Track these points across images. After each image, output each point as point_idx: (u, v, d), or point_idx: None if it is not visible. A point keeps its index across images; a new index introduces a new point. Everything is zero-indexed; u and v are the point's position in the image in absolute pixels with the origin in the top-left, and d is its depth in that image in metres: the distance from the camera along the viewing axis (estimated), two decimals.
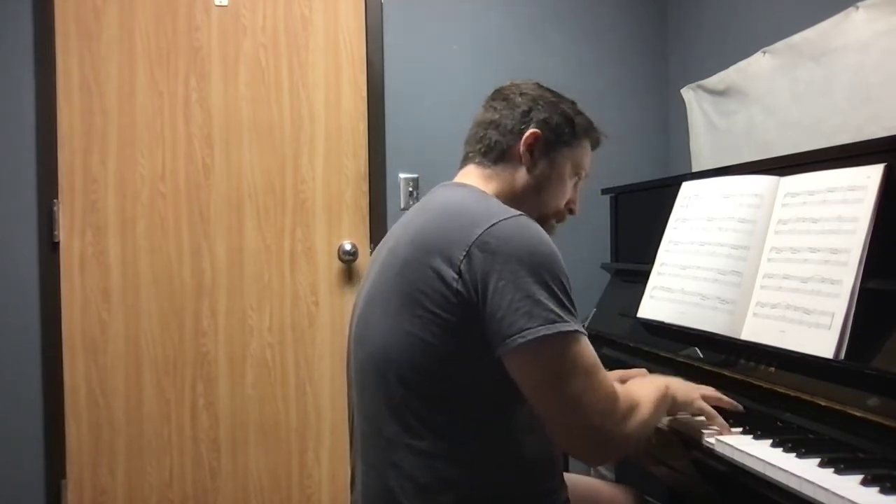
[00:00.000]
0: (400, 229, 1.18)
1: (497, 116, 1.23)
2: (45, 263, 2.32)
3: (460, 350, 1.03)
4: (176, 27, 2.41)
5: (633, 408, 1.05)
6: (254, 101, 2.46)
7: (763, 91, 2.18)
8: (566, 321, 1.00)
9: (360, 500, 1.15)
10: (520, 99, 1.23)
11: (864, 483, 0.93)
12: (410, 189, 2.56)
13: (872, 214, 1.20)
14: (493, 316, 1.00)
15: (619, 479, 2.05)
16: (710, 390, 1.27)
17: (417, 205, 1.23)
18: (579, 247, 2.46)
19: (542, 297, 0.99)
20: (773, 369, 1.31)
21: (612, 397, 1.02)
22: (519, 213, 1.07)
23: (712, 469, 1.18)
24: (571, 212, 1.30)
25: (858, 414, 1.09)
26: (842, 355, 1.16)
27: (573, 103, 1.28)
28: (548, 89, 1.28)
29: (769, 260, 1.40)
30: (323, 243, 2.51)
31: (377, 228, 2.50)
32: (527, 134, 1.20)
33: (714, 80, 2.44)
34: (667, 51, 2.82)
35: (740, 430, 1.20)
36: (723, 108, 2.40)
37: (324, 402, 2.50)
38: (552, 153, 1.23)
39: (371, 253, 2.23)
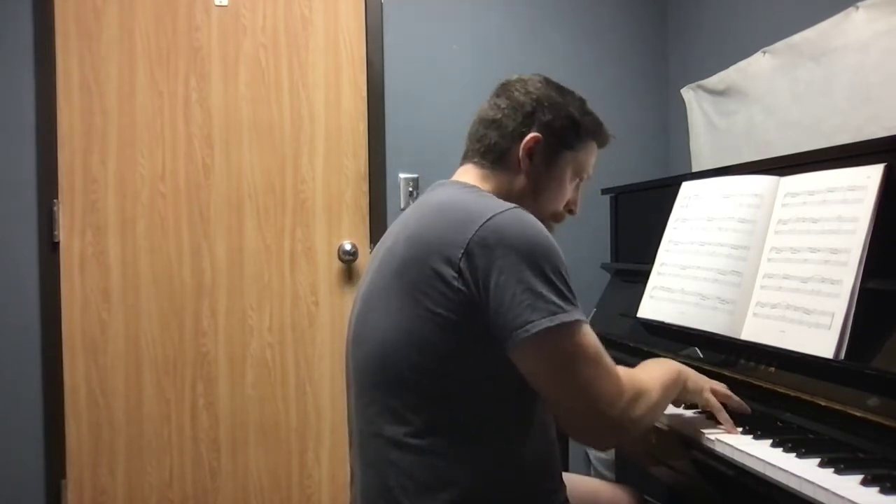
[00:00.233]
0: (398, 228, 1.18)
1: (499, 116, 1.21)
2: (45, 263, 2.32)
3: (461, 348, 1.03)
4: (176, 27, 2.41)
5: (640, 392, 1.06)
6: (254, 101, 2.46)
7: (763, 91, 2.18)
8: (567, 311, 1.00)
9: (359, 499, 1.14)
10: (524, 98, 1.21)
11: (864, 483, 0.93)
12: (410, 189, 2.56)
13: (872, 214, 1.20)
14: (496, 311, 1.00)
15: (619, 479, 2.05)
16: (720, 386, 1.27)
17: (415, 203, 1.23)
18: (579, 247, 2.46)
19: (543, 289, 0.99)
20: (773, 369, 1.31)
21: (619, 382, 1.03)
22: (513, 205, 1.07)
23: (712, 469, 1.18)
24: (571, 212, 1.29)
25: (858, 414, 1.09)
26: (842, 355, 1.16)
27: (581, 101, 1.25)
28: (555, 86, 1.24)
29: (769, 260, 1.40)
30: (323, 243, 2.51)
31: (377, 228, 2.50)
32: (527, 138, 1.18)
33: (714, 80, 2.44)
34: (667, 51, 2.82)
35: (740, 429, 1.20)
36: (723, 108, 2.40)
37: (324, 402, 2.51)
38: (553, 157, 1.21)
39: (370, 253, 2.23)
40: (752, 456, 1.08)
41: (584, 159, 1.25)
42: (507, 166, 1.21)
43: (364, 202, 2.54)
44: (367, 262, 1.45)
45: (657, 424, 1.30)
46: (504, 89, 1.24)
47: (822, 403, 1.16)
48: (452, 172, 1.26)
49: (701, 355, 1.52)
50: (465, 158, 1.25)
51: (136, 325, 2.38)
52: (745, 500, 1.14)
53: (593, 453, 2.59)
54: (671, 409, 1.31)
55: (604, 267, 2.24)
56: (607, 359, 1.04)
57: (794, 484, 0.98)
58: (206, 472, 2.43)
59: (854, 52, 1.81)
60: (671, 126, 2.79)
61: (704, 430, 1.21)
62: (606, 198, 2.29)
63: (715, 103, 2.44)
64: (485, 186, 1.20)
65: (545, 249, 1.03)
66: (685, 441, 1.25)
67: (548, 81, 1.25)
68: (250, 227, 2.46)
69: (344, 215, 2.52)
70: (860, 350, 1.15)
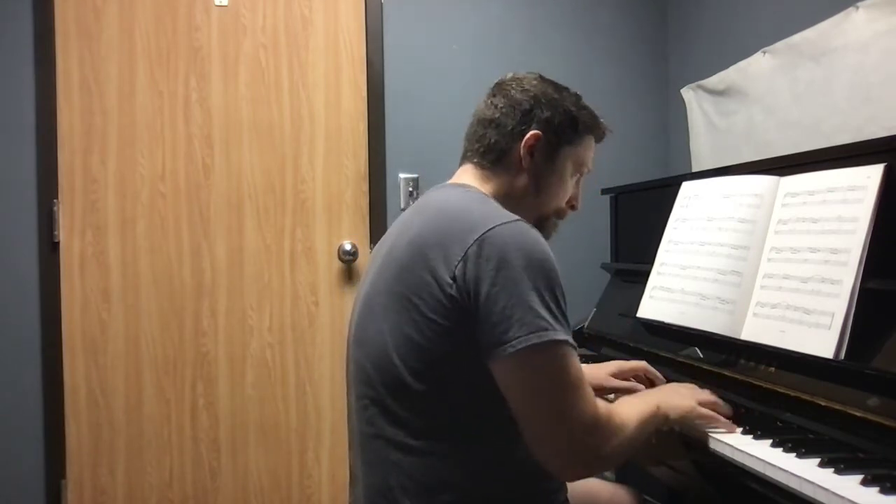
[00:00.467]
0: (397, 231, 1.18)
1: (497, 115, 1.21)
2: (45, 263, 2.31)
3: (456, 352, 1.03)
4: (176, 27, 2.41)
5: (617, 426, 1.04)
6: (254, 101, 2.46)
7: (763, 91, 2.18)
8: (556, 330, 0.99)
9: (361, 499, 1.14)
10: (521, 96, 1.21)
11: (864, 483, 0.93)
12: (410, 189, 2.56)
13: (872, 214, 1.20)
14: (485, 322, 0.99)
15: (619, 479, 2.05)
16: (705, 394, 1.26)
17: (416, 205, 1.22)
18: (579, 247, 2.47)
19: (535, 304, 0.98)
20: (773, 369, 1.31)
21: (597, 412, 1.01)
22: (516, 217, 1.06)
23: (712, 469, 1.18)
24: (573, 208, 1.29)
25: (858, 414, 1.09)
26: (842, 355, 1.16)
27: (577, 97, 1.25)
28: (550, 83, 1.24)
29: (769, 260, 1.40)
30: (323, 243, 2.51)
31: (377, 228, 2.50)
32: (527, 136, 1.19)
33: (714, 80, 2.44)
34: (667, 51, 2.82)
35: (740, 429, 1.20)
36: (723, 108, 2.40)
37: (324, 402, 2.50)
38: (553, 153, 1.21)
39: (370, 253, 2.23)
40: (752, 456, 1.08)
41: (584, 154, 1.26)
42: (507, 165, 1.21)
43: (364, 202, 2.54)
44: (367, 262, 1.45)
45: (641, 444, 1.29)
46: (500, 88, 1.24)
47: (822, 403, 1.17)
48: (452, 172, 1.26)
49: (701, 355, 1.52)
50: (465, 159, 1.25)
51: (136, 325, 2.38)
52: (745, 500, 1.14)
53: None
54: None
55: (604, 267, 2.24)
56: (589, 389, 1.02)
57: (794, 484, 0.99)
58: (206, 472, 2.43)
59: (854, 52, 1.81)
60: (671, 126, 2.79)
61: (704, 430, 1.21)
62: (606, 198, 2.29)
63: (715, 103, 2.44)
64: (486, 187, 1.20)
65: (543, 266, 1.02)
66: (685, 441, 1.25)
67: (543, 78, 1.25)
68: (250, 227, 2.46)
69: (344, 215, 2.52)
70: (860, 350, 1.15)
